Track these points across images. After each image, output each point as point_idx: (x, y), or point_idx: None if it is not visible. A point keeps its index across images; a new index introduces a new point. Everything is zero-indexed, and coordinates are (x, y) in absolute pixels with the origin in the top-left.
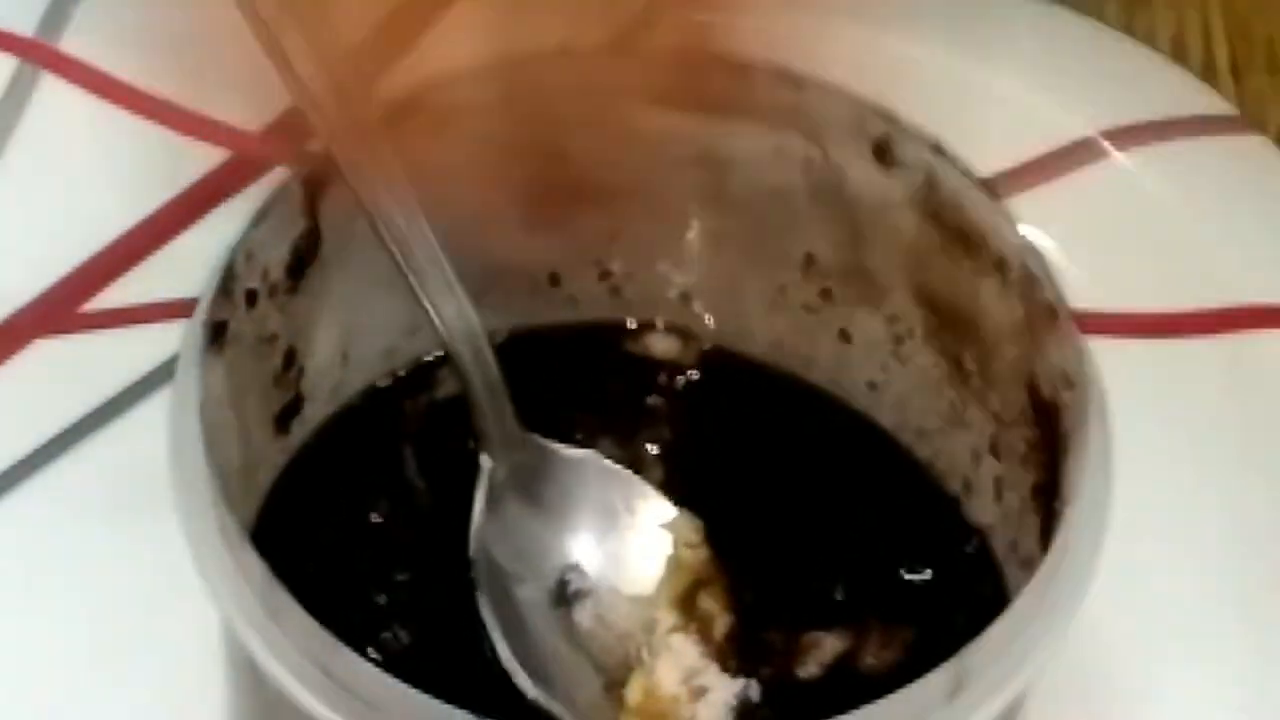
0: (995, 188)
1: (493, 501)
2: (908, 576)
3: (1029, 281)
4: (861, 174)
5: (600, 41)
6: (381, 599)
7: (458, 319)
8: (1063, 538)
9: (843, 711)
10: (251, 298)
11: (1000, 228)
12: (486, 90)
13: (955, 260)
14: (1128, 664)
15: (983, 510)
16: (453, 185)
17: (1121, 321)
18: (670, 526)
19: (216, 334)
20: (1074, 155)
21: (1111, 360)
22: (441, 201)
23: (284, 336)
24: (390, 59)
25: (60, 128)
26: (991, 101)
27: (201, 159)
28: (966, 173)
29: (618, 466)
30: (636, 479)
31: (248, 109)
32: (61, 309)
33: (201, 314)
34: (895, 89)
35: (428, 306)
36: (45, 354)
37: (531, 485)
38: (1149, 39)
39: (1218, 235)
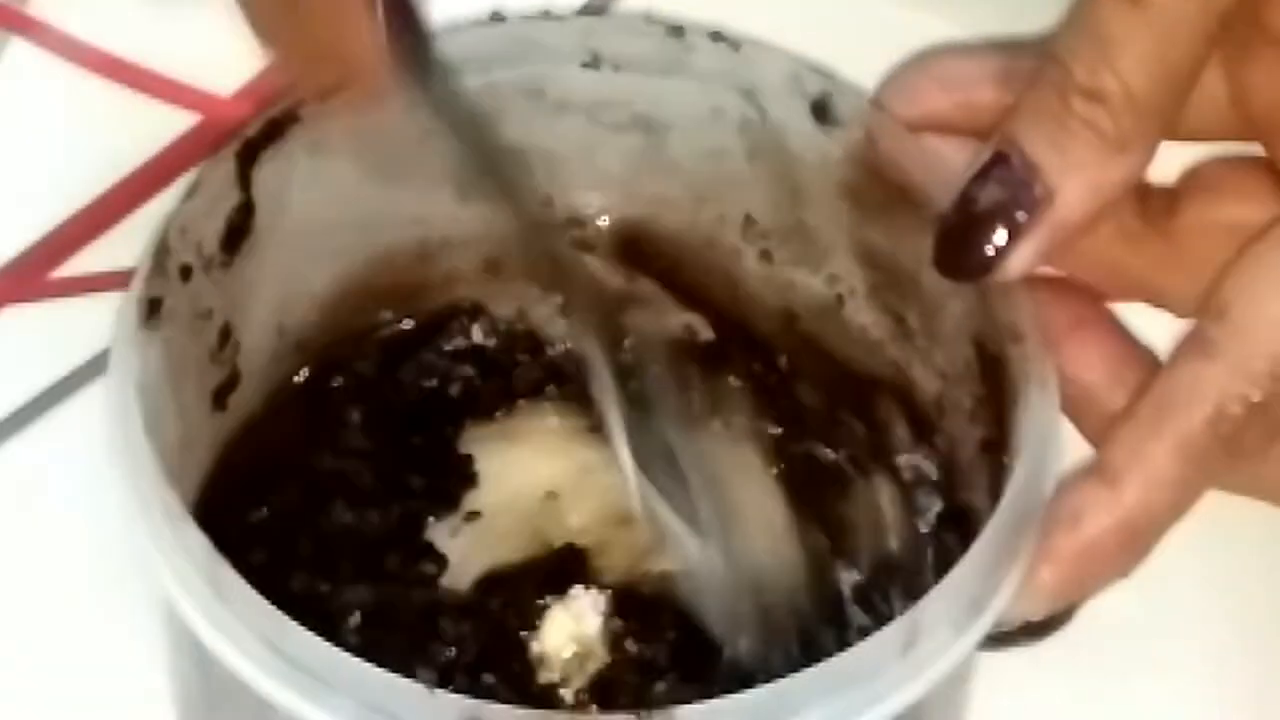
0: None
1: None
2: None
3: None
4: (801, 133)
5: None
6: (326, 575)
7: None
8: (1012, 491)
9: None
10: (186, 273)
11: (940, 184)
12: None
13: (896, 217)
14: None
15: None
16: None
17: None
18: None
19: (152, 310)
20: None
21: None
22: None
23: (219, 312)
24: None
25: (29, 92)
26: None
27: (172, 123)
28: (906, 128)
29: None
30: None
31: (218, 72)
32: (31, 276)
33: (136, 290)
34: (821, 31)
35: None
36: (14, 321)
37: None
38: None
39: None
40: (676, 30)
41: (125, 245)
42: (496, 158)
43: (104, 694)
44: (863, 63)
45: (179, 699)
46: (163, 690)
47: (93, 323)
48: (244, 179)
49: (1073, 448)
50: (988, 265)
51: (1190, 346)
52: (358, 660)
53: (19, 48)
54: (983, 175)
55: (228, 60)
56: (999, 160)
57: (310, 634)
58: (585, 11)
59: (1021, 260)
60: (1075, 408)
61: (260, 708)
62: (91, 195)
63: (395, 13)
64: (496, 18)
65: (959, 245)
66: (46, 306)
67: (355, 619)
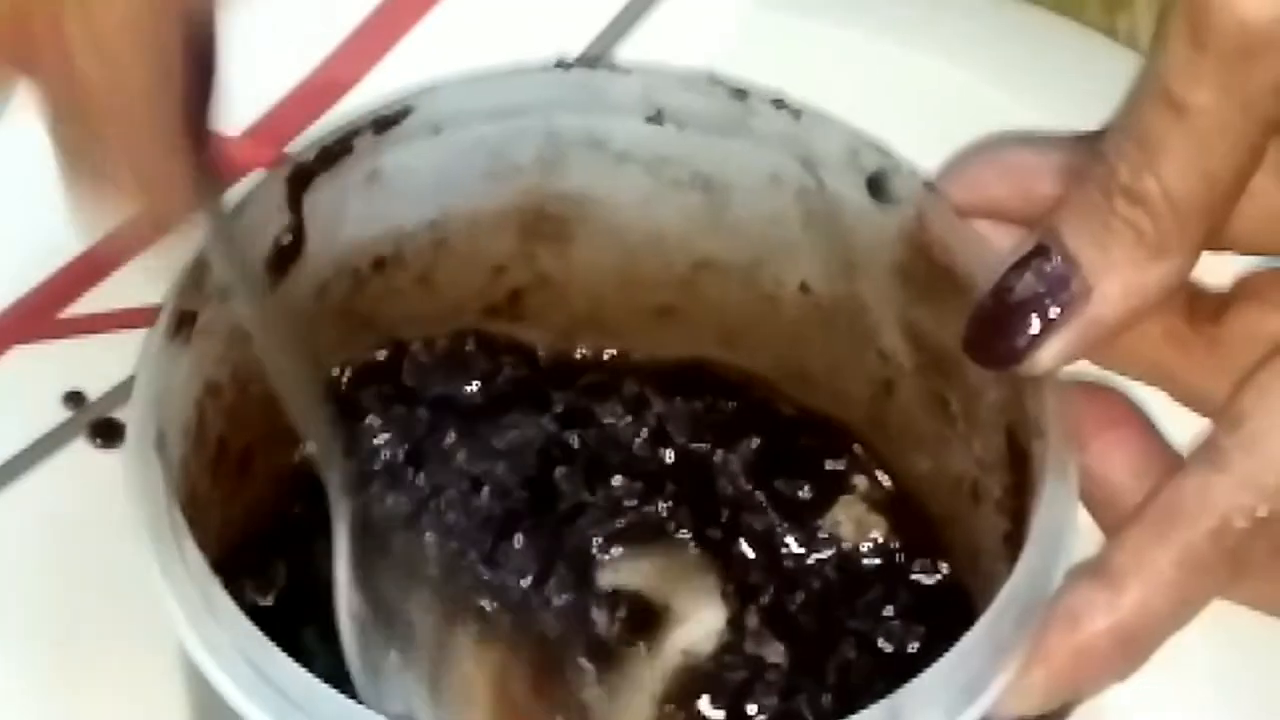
0: None
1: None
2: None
3: None
4: (855, 206)
5: None
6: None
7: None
8: (1014, 581)
9: None
10: (226, 290)
11: (986, 269)
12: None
13: (942, 299)
14: None
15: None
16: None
17: None
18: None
19: (181, 324)
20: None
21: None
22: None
23: None
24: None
25: (37, 129)
26: (969, 103)
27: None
28: (957, 211)
29: None
30: None
31: (226, 112)
32: (39, 315)
33: (169, 303)
34: (874, 92)
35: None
36: (23, 359)
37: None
38: (1130, 40)
39: None
40: (739, 93)
41: (133, 285)
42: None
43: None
44: (916, 132)
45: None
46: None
47: (100, 360)
48: (294, 202)
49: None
50: (1017, 355)
51: (1203, 455)
52: (332, 690)
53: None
54: (1022, 265)
55: (235, 100)
56: (1040, 252)
57: (288, 659)
58: (581, 63)
59: (1052, 353)
60: (1098, 505)
61: None
62: (101, 233)
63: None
64: (561, 64)
65: (991, 331)
66: (54, 345)
67: None
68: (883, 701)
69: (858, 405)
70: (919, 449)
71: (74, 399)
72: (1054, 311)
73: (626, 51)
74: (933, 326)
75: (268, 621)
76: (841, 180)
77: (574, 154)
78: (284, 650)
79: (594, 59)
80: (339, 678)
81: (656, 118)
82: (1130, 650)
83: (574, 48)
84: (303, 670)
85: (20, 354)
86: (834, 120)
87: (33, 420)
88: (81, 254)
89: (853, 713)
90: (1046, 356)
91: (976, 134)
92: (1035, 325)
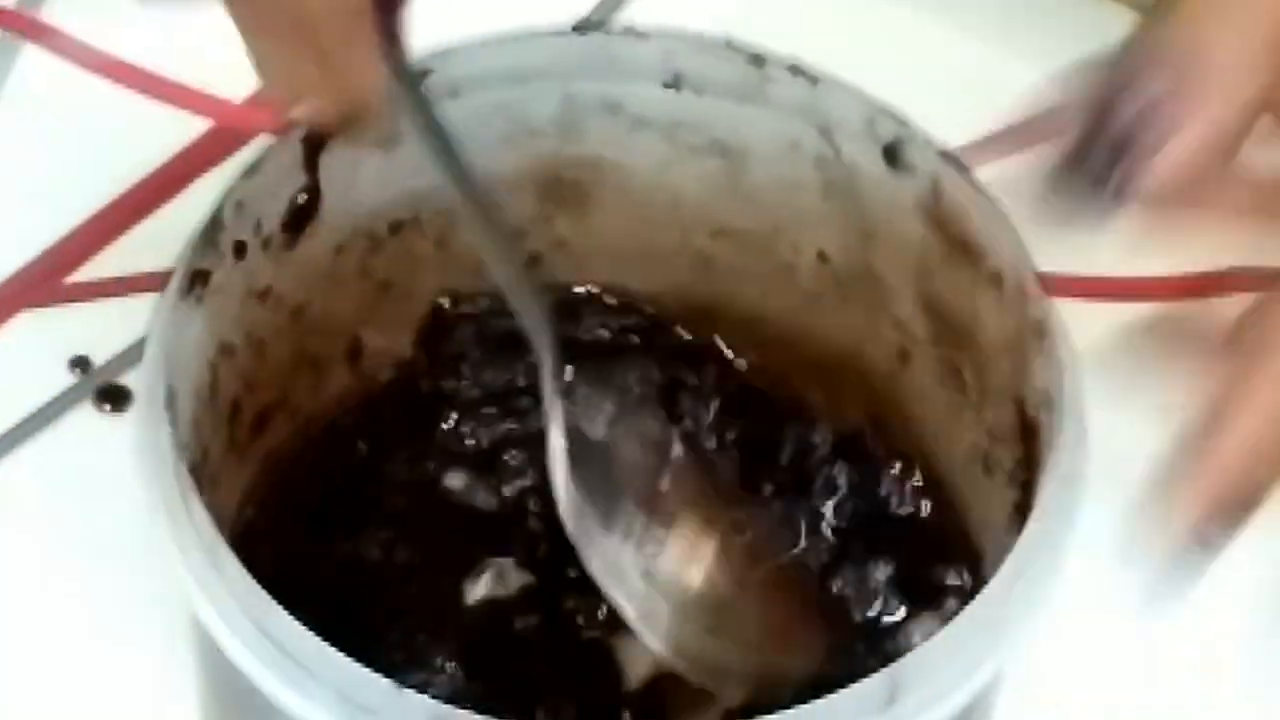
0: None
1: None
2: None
3: (1022, 297)
4: (872, 174)
5: None
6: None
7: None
8: (1019, 551)
9: None
10: (240, 249)
11: (1000, 239)
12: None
13: (956, 269)
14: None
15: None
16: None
17: (1131, 286)
18: None
19: (194, 283)
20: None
21: (1096, 322)
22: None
23: (283, 292)
24: None
25: (42, 98)
26: (987, 72)
27: (185, 128)
28: (972, 181)
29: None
30: None
31: (230, 78)
32: (45, 281)
33: (182, 261)
34: (890, 60)
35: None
36: (29, 326)
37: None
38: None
39: None
40: (757, 59)
41: (139, 251)
42: (476, 186)
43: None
44: (932, 101)
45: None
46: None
47: (107, 326)
48: (311, 163)
49: (1094, 516)
50: (1139, 172)
51: None
52: (336, 652)
53: (31, 53)
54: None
55: (240, 66)
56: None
57: (293, 619)
58: (585, 26)
59: (1175, 159)
60: None
61: (253, 694)
62: (105, 200)
63: (389, 44)
64: (580, 29)
65: (1099, 155)
66: (61, 310)
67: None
68: (883, 671)
69: (873, 374)
70: (933, 419)
71: (80, 364)
72: (1169, 118)
73: (634, 13)
74: (948, 296)
75: (277, 584)
76: (858, 148)
77: (591, 118)
78: (293, 613)
79: (602, 21)
80: (344, 639)
81: (674, 83)
82: None
83: (582, 8)
84: (308, 631)
85: (27, 319)
86: (851, 88)
87: (40, 385)
88: (86, 220)
89: (854, 682)
90: (1168, 164)
91: (993, 103)
92: (1155, 135)
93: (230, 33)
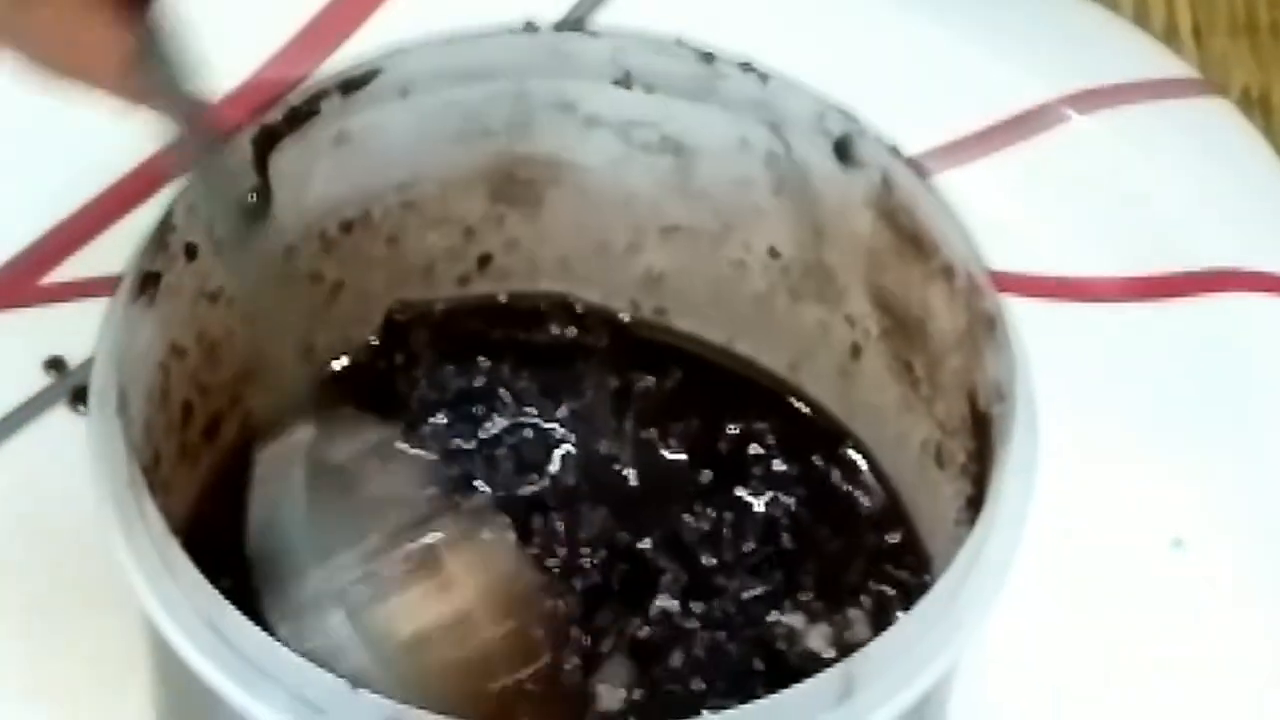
0: (959, 153)
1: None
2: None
3: (973, 290)
4: (823, 170)
5: None
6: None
7: None
8: (970, 546)
9: None
10: (191, 251)
11: (950, 233)
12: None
13: (907, 264)
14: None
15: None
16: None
17: (1082, 286)
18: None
19: (145, 285)
20: (1036, 119)
21: (1072, 324)
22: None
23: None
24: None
25: (15, 99)
26: (954, 65)
27: (157, 131)
28: (922, 175)
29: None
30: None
31: (208, 80)
32: (21, 281)
33: (132, 264)
34: (858, 55)
35: None
36: (5, 326)
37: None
38: (1112, 2)
39: (1180, 199)
40: (707, 56)
41: (115, 252)
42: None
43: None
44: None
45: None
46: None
47: (81, 327)
48: (261, 163)
49: (1046, 514)
50: None
51: None
52: (289, 651)
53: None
54: None
55: (217, 66)
56: None
57: (244, 619)
58: (566, 26)
59: None
60: None
61: (205, 694)
62: (81, 201)
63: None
64: (529, 28)
65: None
66: (36, 311)
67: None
68: (836, 666)
69: (825, 370)
70: (885, 413)
71: (55, 365)
72: None
73: (603, 19)
74: (899, 290)
75: (230, 587)
76: (809, 145)
77: (544, 117)
78: (243, 611)
79: (571, 24)
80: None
81: (625, 81)
82: None
83: (551, 15)
84: (259, 630)
85: (1, 320)
86: (800, 85)
87: (14, 386)
88: (62, 220)
89: (808, 677)
90: None
91: (949, 96)
92: None
93: (208, 37)
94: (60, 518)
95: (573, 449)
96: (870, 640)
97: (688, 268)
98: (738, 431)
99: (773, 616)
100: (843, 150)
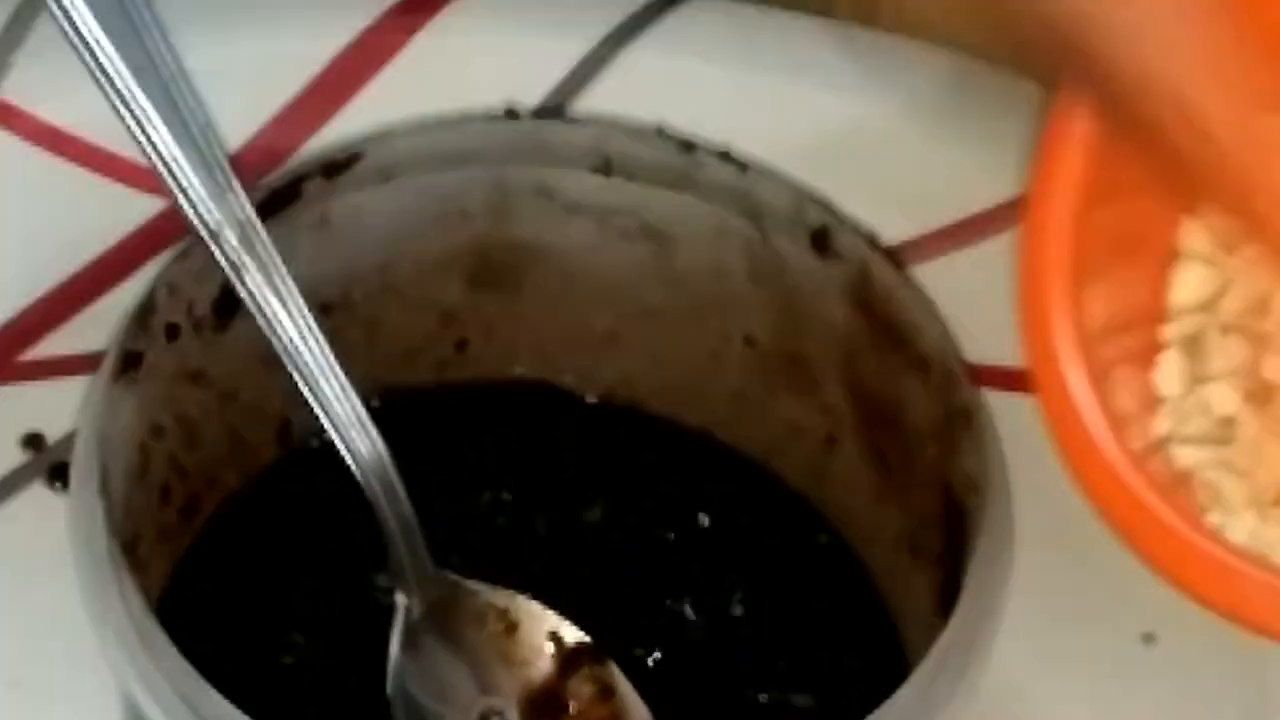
0: (937, 245)
1: (410, 639)
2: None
3: (949, 382)
4: (800, 260)
5: None
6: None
7: (371, 456)
8: (943, 643)
9: None
10: (173, 331)
11: (927, 325)
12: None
13: (884, 355)
14: None
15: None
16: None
17: None
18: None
19: (127, 365)
20: (1013, 213)
21: (1022, 412)
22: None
23: (215, 376)
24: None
25: (0, 175)
26: (931, 158)
27: (140, 207)
28: (899, 267)
29: (536, 604)
30: (554, 615)
31: None
32: (1, 357)
33: (115, 343)
34: (830, 149)
35: (340, 443)
36: None
37: (449, 623)
38: None
39: None
40: (687, 145)
41: (94, 329)
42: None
43: None
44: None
45: None
46: None
47: (60, 404)
48: None
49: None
50: None
51: None
52: None
53: None
54: None
55: None
56: None
57: (223, 699)
58: (546, 112)
59: None
60: None
61: None
62: (60, 278)
63: None
64: (510, 114)
65: None
66: (14, 388)
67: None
68: None
69: (800, 458)
70: (860, 503)
71: (33, 442)
72: None
73: (584, 104)
74: (875, 381)
75: (207, 662)
76: (786, 235)
77: (523, 203)
78: (221, 690)
79: (551, 111)
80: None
81: (605, 169)
82: None
83: (530, 100)
84: (235, 709)
85: None
86: (779, 174)
87: None
88: (42, 296)
89: None
90: None
91: (926, 188)
92: None
93: None
94: (38, 594)
95: (545, 533)
96: None
97: (664, 354)
98: (711, 519)
99: (747, 700)
100: (820, 241)
